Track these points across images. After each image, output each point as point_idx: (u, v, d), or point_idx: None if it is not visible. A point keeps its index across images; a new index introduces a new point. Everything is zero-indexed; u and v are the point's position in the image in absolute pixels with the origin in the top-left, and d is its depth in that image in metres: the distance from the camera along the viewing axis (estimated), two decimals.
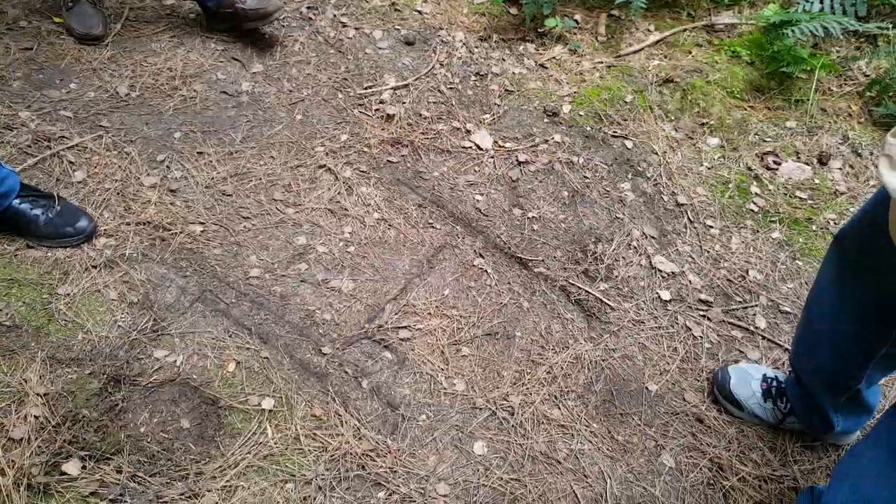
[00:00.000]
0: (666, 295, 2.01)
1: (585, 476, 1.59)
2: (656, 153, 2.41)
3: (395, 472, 1.49)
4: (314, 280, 1.81)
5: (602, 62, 2.70)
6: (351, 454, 1.49)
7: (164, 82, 2.19)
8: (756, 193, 2.34)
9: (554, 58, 2.72)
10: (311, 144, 2.16)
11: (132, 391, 1.48)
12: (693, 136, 2.50)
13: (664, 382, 1.81)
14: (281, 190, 2.01)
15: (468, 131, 2.36)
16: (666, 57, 2.76)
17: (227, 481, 1.38)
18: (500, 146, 2.34)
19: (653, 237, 2.16)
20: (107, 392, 1.47)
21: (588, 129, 2.46)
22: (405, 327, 1.75)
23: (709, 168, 2.39)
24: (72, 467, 1.34)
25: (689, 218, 2.23)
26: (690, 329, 1.94)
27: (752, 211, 2.28)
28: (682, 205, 2.26)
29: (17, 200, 1.68)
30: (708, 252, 2.14)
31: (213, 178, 1.97)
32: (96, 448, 1.38)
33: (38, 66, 2.11)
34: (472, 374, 1.71)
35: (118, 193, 1.85)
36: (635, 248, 2.12)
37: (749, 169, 2.41)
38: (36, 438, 1.35)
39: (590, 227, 2.16)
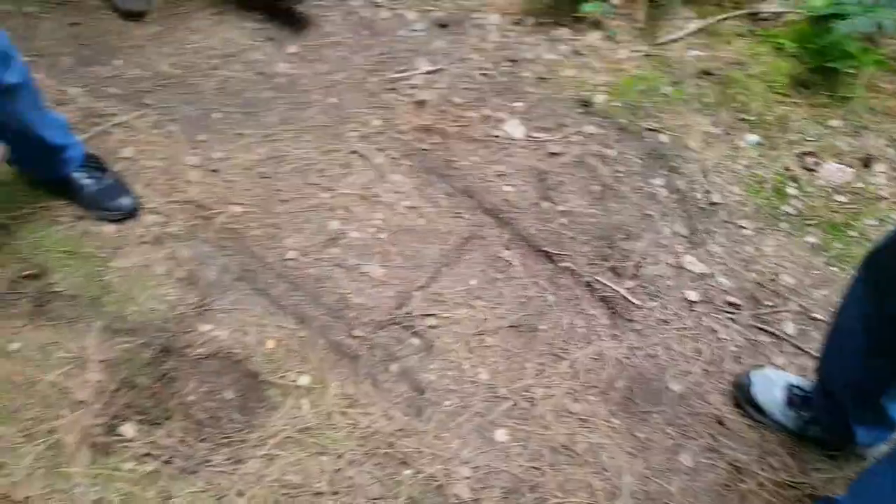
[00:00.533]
0: (693, 296, 2.22)
1: (604, 469, 1.83)
2: (692, 149, 2.61)
3: (421, 452, 1.75)
4: (347, 265, 2.07)
5: (639, 50, 2.90)
6: (380, 433, 1.75)
7: (203, 61, 2.44)
8: (793, 195, 2.53)
9: (590, 44, 2.92)
10: (345, 129, 2.41)
11: (181, 362, 1.77)
12: (731, 132, 2.70)
13: (687, 383, 2.04)
14: (315, 174, 2.26)
15: (499, 120, 2.58)
16: (706, 47, 2.95)
17: (268, 450, 1.66)
18: (531, 136, 2.56)
19: (683, 236, 2.38)
20: (158, 362, 1.75)
21: (622, 121, 2.67)
22: (432, 315, 2.01)
23: (745, 166, 2.59)
24: (128, 429, 1.62)
25: (722, 218, 2.43)
26: (716, 331, 2.16)
27: (788, 213, 2.48)
28: (716, 203, 2.47)
29: (76, 169, 1.98)
30: (739, 254, 2.35)
31: (251, 160, 2.23)
32: (149, 413, 1.67)
33: (85, 43, 2.38)
34: (496, 364, 1.96)
35: (163, 172, 2.12)
36: (665, 246, 2.34)
37: (787, 169, 2.61)
38: (96, 402, 1.64)
39: (619, 222, 2.38)
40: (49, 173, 1.97)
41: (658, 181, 2.51)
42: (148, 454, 1.60)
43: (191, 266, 1.96)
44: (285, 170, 2.25)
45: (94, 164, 2.03)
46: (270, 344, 1.85)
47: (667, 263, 2.30)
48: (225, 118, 2.33)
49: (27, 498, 1.50)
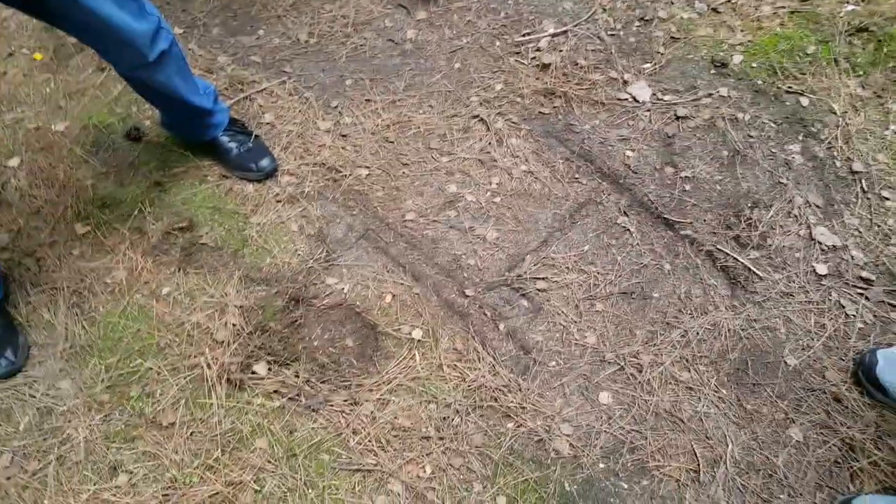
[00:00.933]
0: (822, 269, 2.13)
1: (707, 438, 1.83)
2: (835, 113, 2.45)
3: (524, 408, 1.84)
4: (462, 227, 2.16)
5: (784, 6, 2.73)
6: (485, 387, 1.85)
7: (338, 29, 2.59)
8: None
9: (729, 0, 2.78)
10: (467, 94, 2.48)
11: (308, 311, 1.95)
12: (882, 94, 2.49)
13: (805, 358, 1.98)
14: (437, 139, 2.36)
15: (625, 82, 2.55)
16: (863, 1, 2.72)
17: (382, 395, 1.81)
18: (658, 99, 2.51)
19: (817, 206, 2.26)
20: (288, 309, 1.94)
21: (759, 82, 2.54)
22: (543, 278, 2.06)
23: (895, 132, 2.40)
24: (260, 368, 1.83)
25: (862, 187, 2.28)
26: (844, 307, 2.06)
27: None
28: (857, 172, 2.32)
29: (222, 133, 2.21)
30: (879, 227, 2.21)
31: (377, 125, 2.36)
32: (279, 355, 1.86)
33: (232, 13, 2.60)
34: (605, 329, 1.99)
35: (299, 136, 2.31)
36: (795, 216, 2.24)
37: None
38: (234, 342, 1.85)
39: (748, 190, 2.30)
40: (198, 136, 2.21)
41: (794, 147, 2.39)
42: (276, 391, 1.80)
43: (320, 224, 2.14)
44: (409, 134, 2.36)
45: (238, 128, 2.24)
46: (388, 298, 1.99)
47: (797, 234, 2.20)
48: (355, 84, 2.48)
49: (171, 424, 1.74)
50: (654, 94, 2.51)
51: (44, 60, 2.49)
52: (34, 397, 1.75)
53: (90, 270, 1.97)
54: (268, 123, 2.34)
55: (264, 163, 2.21)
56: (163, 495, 1.62)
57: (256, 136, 2.24)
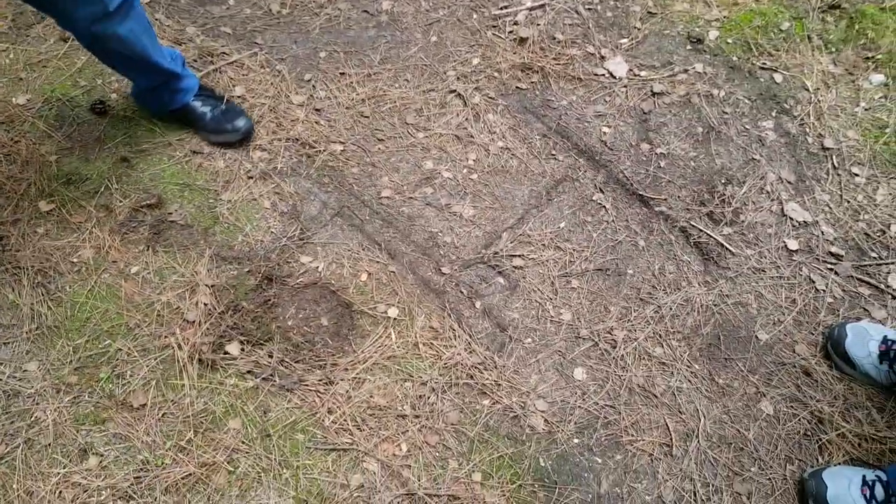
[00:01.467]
0: (793, 244, 2.14)
1: (680, 412, 1.85)
2: (808, 89, 2.45)
3: (500, 385, 1.83)
4: (438, 204, 2.13)
5: None
6: (461, 365, 1.84)
7: (310, 0, 2.52)
8: None
9: None
10: (444, 68, 2.43)
11: (282, 289, 1.91)
12: (854, 71, 2.50)
13: (776, 333, 1.99)
14: (413, 114, 2.31)
15: (602, 57, 2.52)
16: None
17: (357, 374, 1.79)
18: (634, 74, 2.49)
19: (789, 182, 2.27)
20: (261, 288, 1.90)
21: (734, 59, 2.53)
22: (519, 256, 2.05)
23: (866, 109, 2.41)
24: (233, 348, 1.79)
25: (833, 164, 2.30)
26: (814, 282, 2.08)
27: None
28: (828, 149, 2.33)
29: (193, 98, 2.15)
30: (848, 202, 2.23)
31: (352, 100, 2.30)
32: (252, 335, 1.83)
33: None
34: (580, 305, 1.99)
35: (271, 110, 2.25)
36: (768, 192, 2.24)
37: None
38: (205, 322, 1.81)
39: (721, 166, 2.30)
40: (168, 104, 2.14)
41: (767, 124, 2.39)
42: (250, 371, 1.77)
43: (293, 201, 2.09)
44: (384, 109, 2.31)
45: (208, 92, 2.20)
46: (363, 276, 1.96)
47: (769, 210, 2.21)
48: (329, 57, 2.41)
49: (143, 405, 1.70)
50: (630, 70, 2.49)
51: (2, 29, 2.38)
52: (0, 380, 1.70)
53: (56, 249, 1.91)
54: (239, 97, 2.27)
55: (240, 123, 2.16)
56: (134, 477, 1.59)
57: (228, 99, 2.20)
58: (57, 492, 1.56)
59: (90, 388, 1.71)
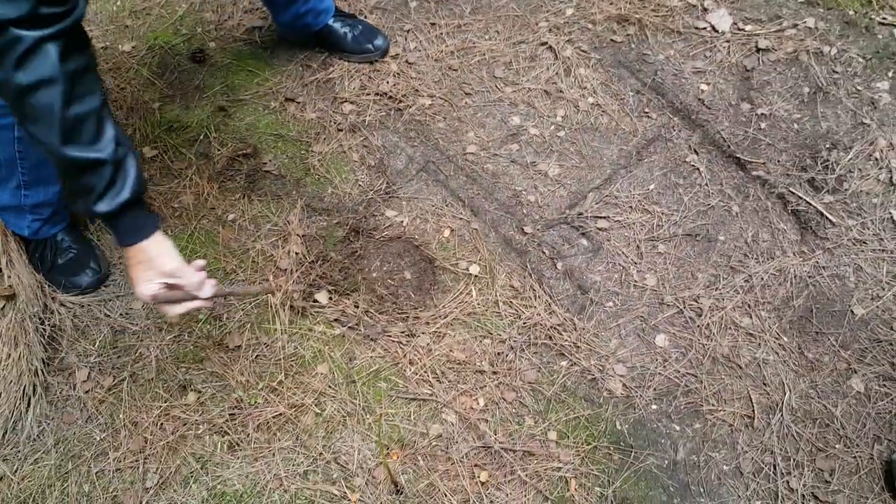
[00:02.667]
0: None
1: (765, 384, 1.81)
2: None
3: (579, 347, 1.83)
4: (523, 161, 2.11)
5: None
6: (541, 325, 1.85)
7: None
8: None
9: None
10: (536, 19, 2.37)
11: (368, 242, 1.96)
12: None
13: (873, 308, 1.90)
14: (502, 67, 2.27)
15: (705, 9, 2.39)
16: None
17: (438, 328, 1.83)
18: (739, 29, 2.36)
19: None
20: (349, 240, 1.96)
21: (851, 13, 2.36)
22: (604, 217, 2.01)
23: None
24: (322, 297, 1.86)
25: None
26: None
27: None
28: None
29: (332, 19, 2.22)
30: None
31: (441, 52, 2.29)
32: (339, 285, 1.89)
33: None
34: (665, 271, 1.95)
35: (363, 62, 2.26)
36: (876, 159, 2.11)
37: None
38: (296, 270, 1.88)
39: (827, 130, 2.17)
40: (312, 26, 2.20)
41: (882, 85, 2.23)
42: (337, 320, 1.84)
43: (381, 154, 2.11)
44: (473, 62, 2.28)
45: (343, 14, 2.26)
46: (446, 233, 1.98)
47: (876, 179, 2.08)
48: (420, 7, 2.39)
49: (237, 346, 1.80)
50: (734, 24, 2.36)
51: None
52: (109, 316, 1.83)
53: (158, 194, 2.01)
54: None
55: (379, 41, 2.25)
56: (229, 414, 1.70)
57: (361, 18, 2.28)
58: (159, 423, 1.68)
59: (189, 328, 1.82)
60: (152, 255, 1.30)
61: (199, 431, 1.68)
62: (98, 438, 1.67)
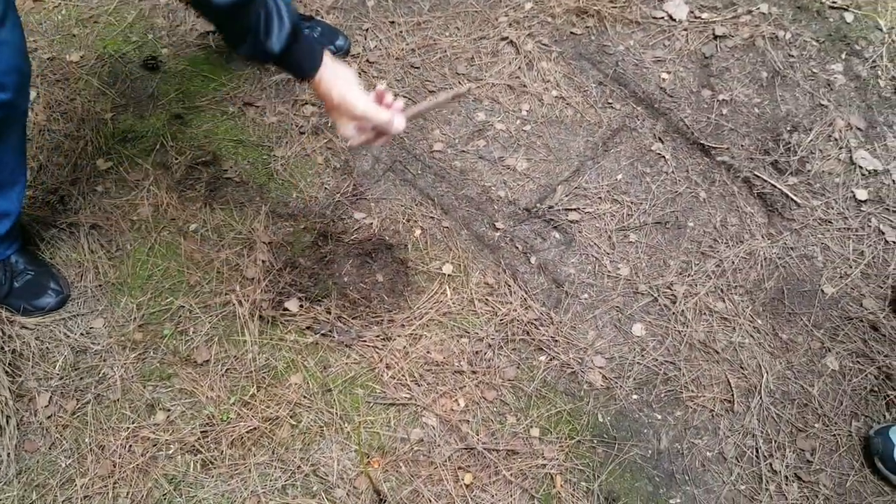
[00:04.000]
0: (862, 194, 2.02)
1: (742, 368, 1.79)
2: (881, 29, 2.28)
3: (557, 340, 1.79)
4: (491, 157, 2.06)
5: None
6: (517, 321, 1.80)
7: None
8: None
9: None
10: (495, 14, 2.32)
11: (337, 246, 1.89)
12: None
13: (842, 286, 1.90)
14: (464, 63, 2.22)
15: None
16: None
17: (413, 330, 1.77)
18: (695, 17, 2.34)
19: (859, 129, 2.13)
20: (317, 245, 1.88)
21: None
22: (575, 209, 1.97)
23: None
24: (292, 305, 1.78)
25: None
26: (884, 233, 1.97)
27: None
28: None
29: None
30: None
31: (402, 50, 2.22)
32: (310, 291, 1.81)
33: None
34: (638, 259, 1.92)
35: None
36: (836, 140, 2.12)
37: None
38: (264, 279, 1.80)
39: (787, 113, 2.17)
40: None
41: (836, 67, 2.24)
42: (309, 327, 1.76)
43: (346, 156, 2.03)
44: (434, 59, 2.22)
45: (301, 16, 2.18)
46: (417, 232, 1.92)
47: (837, 159, 2.09)
48: (378, 6, 2.32)
49: (206, 361, 1.70)
50: (691, 12, 2.35)
51: None
52: (69, 336, 1.72)
53: (115, 207, 1.90)
54: None
55: (340, 42, 2.18)
56: (201, 431, 1.61)
57: (319, 20, 2.20)
58: (127, 445, 1.58)
59: (154, 344, 1.72)
60: (335, 93, 1.22)
61: (170, 451, 1.59)
62: (63, 465, 1.57)
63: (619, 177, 2.05)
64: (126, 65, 2.18)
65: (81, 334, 1.73)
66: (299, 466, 1.58)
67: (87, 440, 1.59)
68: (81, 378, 1.67)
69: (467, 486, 1.58)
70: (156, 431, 1.61)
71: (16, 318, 1.73)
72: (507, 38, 2.27)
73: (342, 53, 2.19)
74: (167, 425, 1.62)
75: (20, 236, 1.78)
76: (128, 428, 1.61)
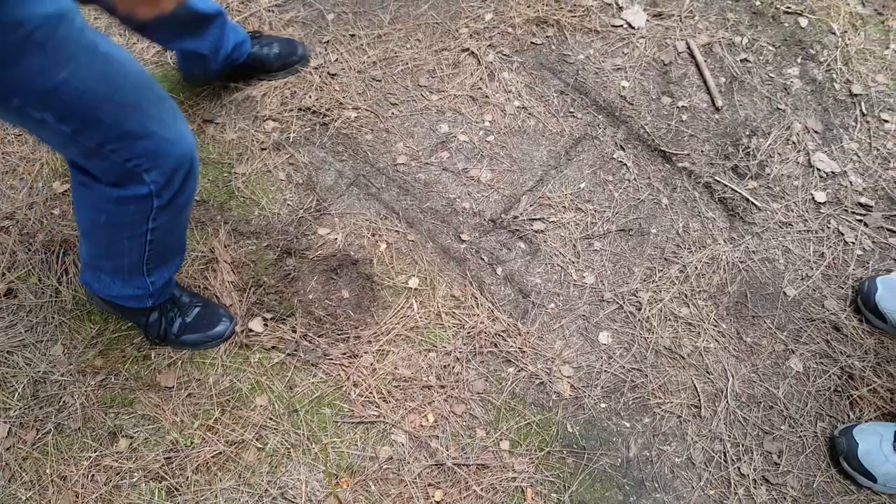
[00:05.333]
0: (821, 196, 2.03)
1: (708, 372, 1.78)
2: (834, 33, 2.30)
3: (524, 351, 1.77)
4: (455, 168, 2.04)
5: None
6: (485, 333, 1.78)
7: None
8: None
9: None
10: (456, 25, 2.30)
11: (301, 263, 1.85)
12: (883, 11, 2.34)
13: (804, 288, 1.91)
14: (426, 75, 2.19)
15: (620, 7, 2.37)
16: None
17: (381, 346, 1.73)
18: (654, 25, 2.34)
19: (816, 132, 2.15)
20: (281, 263, 1.84)
21: (757, 3, 2.38)
22: (539, 219, 1.96)
23: None
24: (256, 325, 1.73)
25: (861, 111, 2.17)
26: (843, 234, 1.98)
27: None
28: (856, 95, 2.19)
29: (251, 45, 2.07)
30: (878, 150, 2.11)
31: (363, 63, 2.19)
32: (275, 310, 1.77)
33: None
34: (603, 268, 1.90)
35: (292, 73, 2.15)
36: (794, 143, 2.13)
37: None
38: (227, 299, 1.75)
39: (745, 118, 2.17)
40: (237, 59, 2.02)
41: (792, 71, 2.25)
42: (274, 347, 1.72)
43: (308, 171, 2.00)
44: (396, 71, 2.20)
45: (257, 34, 2.13)
46: (382, 247, 1.88)
47: (795, 162, 2.10)
48: (338, 19, 2.28)
49: (169, 386, 1.65)
50: (648, 20, 2.34)
51: None
52: (28, 365, 1.66)
53: (72, 231, 1.84)
54: None
55: (300, 50, 2.16)
56: (165, 458, 1.56)
57: (273, 35, 2.16)
58: (90, 475, 1.53)
59: (116, 370, 1.67)
60: None
61: (134, 479, 1.54)
62: (24, 498, 1.51)
63: (583, 185, 2.03)
64: None
65: (40, 362, 1.67)
66: (266, 490, 1.54)
67: (48, 471, 1.54)
68: (41, 407, 1.62)
69: (438, 503, 1.56)
70: (119, 459, 1.56)
71: None
72: (468, 49, 2.24)
73: (304, 61, 2.16)
74: (130, 452, 1.57)
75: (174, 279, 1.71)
76: (90, 457, 1.56)
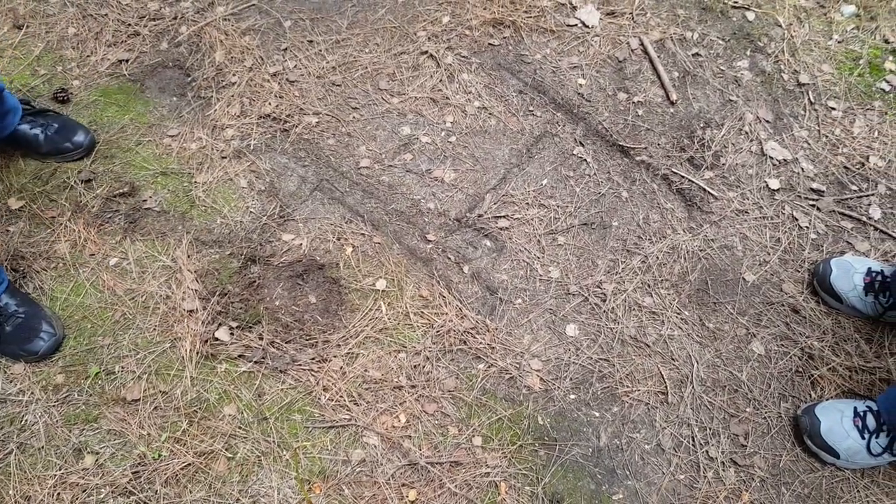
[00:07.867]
0: (775, 184, 2.05)
1: (673, 359, 1.78)
2: (780, 25, 2.33)
3: (494, 348, 1.74)
4: (418, 170, 2.01)
5: None
6: (454, 331, 1.75)
7: None
8: (890, 70, 2.24)
9: None
10: (414, 29, 2.27)
11: (266, 270, 1.80)
12: (825, 4, 2.37)
13: (762, 273, 1.92)
14: (386, 79, 2.16)
15: (574, 7, 2.37)
16: None
17: (350, 349, 1.70)
18: (607, 23, 2.35)
19: (767, 121, 2.16)
20: (245, 270, 1.79)
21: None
22: (504, 217, 1.94)
23: (839, 42, 2.29)
24: (222, 334, 1.68)
25: (809, 99, 2.19)
26: (797, 219, 2.00)
27: (883, 91, 2.20)
28: (804, 84, 2.22)
29: (20, 121, 1.87)
30: (826, 137, 2.13)
31: (322, 68, 2.15)
32: (241, 318, 1.72)
33: None
34: (567, 262, 1.89)
35: (247, 83, 2.09)
36: (747, 133, 2.14)
37: (886, 42, 2.29)
38: (192, 309, 1.70)
39: (699, 110, 2.18)
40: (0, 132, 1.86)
41: (742, 63, 2.27)
42: (241, 356, 1.67)
43: (270, 178, 1.95)
44: (356, 76, 2.16)
45: (34, 110, 1.93)
46: (348, 250, 1.85)
47: (749, 151, 2.11)
48: (295, 26, 2.24)
49: (134, 399, 1.60)
50: (602, 19, 2.35)
51: None
52: None
53: (30, 247, 1.77)
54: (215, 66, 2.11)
55: (79, 138, 1.91)
56: (133, 472, 1.50)
57: (58, 113, 1.94)
58: (55, 494, 1.47)
59: (79, 386, 1.60)
60: None
61: (102, 496, 1.48)
62: None
63: (545, 182, 2.02)
64: (35, 98, 2.05)
65: (0, 381, 1.60)
66: (238, 499, 1.49)
67: (11, 492, 1.47)
68: (2, 427, 1.54)
69: (412, 502, 1.52)
70: (85, 476, 1.49)
71: None
72: (426, 51, 2.22)
73: (84, 150, 1.93)
74: (96, 469, 1.51)
75: (6, 277, 1.64)
76: (55, 475, 1.49)
